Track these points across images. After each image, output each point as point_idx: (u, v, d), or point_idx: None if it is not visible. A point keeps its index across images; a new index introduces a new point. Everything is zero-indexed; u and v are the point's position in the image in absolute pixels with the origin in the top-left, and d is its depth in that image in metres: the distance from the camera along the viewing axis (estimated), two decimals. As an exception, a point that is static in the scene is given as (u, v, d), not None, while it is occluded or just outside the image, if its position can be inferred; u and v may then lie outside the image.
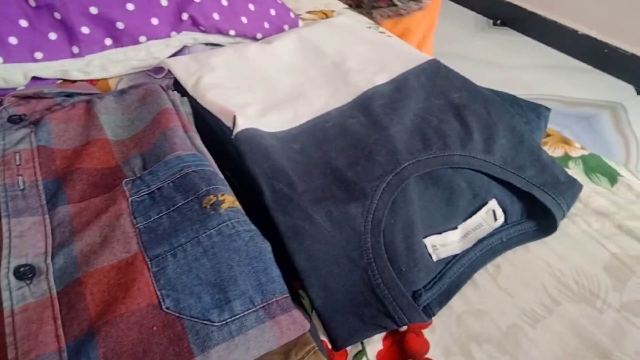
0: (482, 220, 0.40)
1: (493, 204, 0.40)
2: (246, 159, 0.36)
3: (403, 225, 0.36)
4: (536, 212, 0.41)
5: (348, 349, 0.36)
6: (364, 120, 0.41)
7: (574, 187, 0.42)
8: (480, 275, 0.40)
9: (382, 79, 0.46)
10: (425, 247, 0.37)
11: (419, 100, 0.44)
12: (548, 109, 0.46)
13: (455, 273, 0.38)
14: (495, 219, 0.40)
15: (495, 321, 0.37)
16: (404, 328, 0.37)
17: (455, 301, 0.38)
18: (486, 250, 0.39)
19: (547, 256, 0.41)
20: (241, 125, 0.38)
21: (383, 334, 0.36)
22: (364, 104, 0.43)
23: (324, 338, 0.35)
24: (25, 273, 0.28)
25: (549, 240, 0.42)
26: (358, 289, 0.33)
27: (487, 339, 0.36)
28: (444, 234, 0.38)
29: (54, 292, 0.28)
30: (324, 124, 0.41)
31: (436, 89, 0.46)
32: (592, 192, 0.46)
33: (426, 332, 0.37)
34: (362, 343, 0.36)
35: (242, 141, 0.37)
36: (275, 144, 0.39)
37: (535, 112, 0.46)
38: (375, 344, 0.36)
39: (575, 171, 0.48)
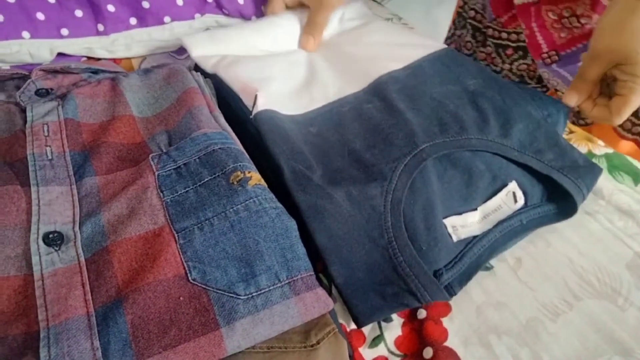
0: (501, 202, 0.40)
1: (513, 186, 0.41)
2: (266, 139, 0.36)
3: (422, 206, 0.36)
4: (556, 196, 0.42)
5: (366, 334, 0.36)
6: (380, 105, 0.42)
7: (593, 170, 0.43)
8: (500, 268, 0.40)
9: (396, 65, 0.46)
10: (445, 227, 0.38)
11: (434, 85, 0.44)
12: (568, 105, 0.46)
13: (476, 254, 0.38)
14: (515, 201, 0.40)
15: (515, 314, 0.37)
16: (423, 315, 0.37)
17: (475, 292, 0.39)
18: (506, 231, 0.40)
19: (569, 252, 0.41)
20: (261, 105, 0.39)
21: (402, 321, 0.37)
22: (379, 89, 0.43)
23: (342, 322, 0.35)
24: (54, 240, 0.29)
25: (571, 235, 0.42)
26: (379, 267, 0.34)
27: (507, 330, 0.36)
28: (463, 215, 0.39)
29: (82, 259, 0.29)
30: (340, 109, 0.42)
31: (451, 75, 0.46)
32: (616, 189, 0.46)
33: (445, 321, 0.37)
34: (380, 329, 0.36)
35: (262, 121, 0.37)
36: (293, 127, 0.40)
37: (555, 106, 0.46)
38: (393, 330, 0.36)
39: (598, 170, 0.48)
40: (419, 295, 0.33)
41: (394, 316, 0.37)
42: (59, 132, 0.36)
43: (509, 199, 0.40)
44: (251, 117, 0.39)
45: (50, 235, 0.29)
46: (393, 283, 0.33)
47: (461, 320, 0.37)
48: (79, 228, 0.30)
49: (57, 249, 0.29)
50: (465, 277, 0.37)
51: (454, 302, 0.38)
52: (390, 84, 0.44)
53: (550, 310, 0.38)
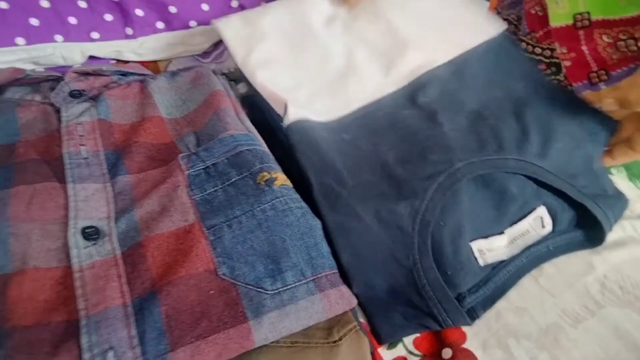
0: (529, 226, 0.40)
1: (542, 211, 0.40)
2: (296, 151, 0.37)
3: (451, 228, 0.36)
4: (584, 222, 0.41)
5: (385, 335, 0.38)
6: (417, 113, 0.41)
7: (621, 201, 0.42)
8: (521, 275, 0.42)
9: (441, 57, 0.44)
10: (472, 251, 0.38)
11: (477, 90, 0.42)
12: (615, 122, 0.43)
13: (501, 279, 0.39)
14: (543, 227, 0.40)
15: (534, 319, 0.39)
16: (442, 318, 0.39)
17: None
18: (532, 257, 0.40)
19: (591, 259, 0.42)
20: (292, 115, 0.38)
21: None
22: (418, 92, 0.42)
23: (362, 320, 0.37)
24: (91, 234, 0.31)
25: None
26: (402, 289, 0.35)
27: (526, 335, 0.38)
28: (490, 239, 0.39)
29: (118, 253, 0.31)
30: (376, 113, 0.41)
31: (499, 74, 0.44)
32: (639, 197, 0.47)
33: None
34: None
35: (293, 132, 0.38)
36: (325, 136, 0.39)
37: (600, 123, 0.43)
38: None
39: (618, 177, 0.49)
40: (441, 319, 0.34)
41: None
42: (93, 132, 0.38)
43: (537, 223, 0.40)
44: (283, 125, 0.39)
45: (88, 230, 0.32)
46: (415, 305, 0.34)
47: (480, 324, 0.38)
48: (114, 223, 0.33)
49: (94, 242, 0.31)
50: (490, 301, 0.38)
51: (474, 306, 0.39)
52: (430, 87, 0.42)
53: (571, 317, 0.39)
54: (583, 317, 0.39)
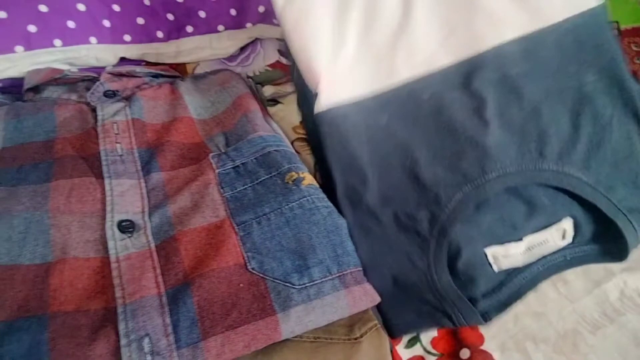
0: (549, 236, 0.39)
1: (567, 223, 0.39)
2: (325, 143, 0.37)
3: (471, 235, 0.36)
4: (608, 234, 0.39)
5: (403, 334, 0.39)
6: (467, 101, 0.36)
7: None
8: (540, 279, 0.42)
9: (514, 29, 0.37)
10: (486, 256, 0.37)
11: (546, 78, 0.37)
12: None
13: (516, 285, 0.39)
14: (563, 238, 0.39)
15: (552, 324, 0.39)
16: (460, 320, 0.39)
17: (514, 301, 0.41)
18: (549, 265, 0.40)
19: (612, 266, 0.42)
20: (324, 101, 0.36)
21: (438, 323, 0.39)
22: (475, 72, 0.37)
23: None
24: (126, 227, 0.33)
25: (615, 250, 0.44)
26: (416, 287, 0.36)
27: (544, 339, 0.38)
28: (506, 245, 0.38)
29: (153, 245, 0.33)
30: (421, 94, 0.37)
31: (575, 62, 0.37)
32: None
33: (481, 327, 0.39)
34: (417, 329, 0.39)
35: (323, 122, 0.37)
36: (358, 122, 0.37)
37: None
38: (429, 332, 0.39)
39: None
40: (454, 318, 0.35)
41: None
42: (127, 131, 0.40)
43: (558, 235, 0.39)
44: (314, 112, 0.37)
45: (124, 223, 0.33)
46: (429, 303, 0.35)
47: (498, 327, 0.39)
48: (148, 218, 0.34)
49: (129, 235, 0.33)
50: (503, 306, 0.38)
51: (492, 309, 0.40)
52: (490, 69, 0.37)
53: (590, 323, 0.39)
54: (602, 323, 0.39)
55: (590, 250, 0.40)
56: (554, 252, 0.39)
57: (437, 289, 0.35)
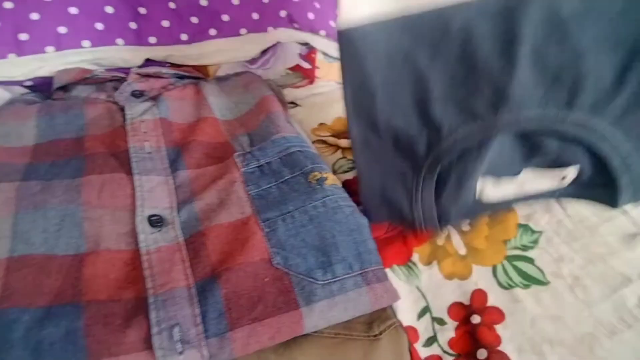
0: (548, 178, 0.38)
1: (571, 170, 0.37)
2: (342, 60, 0.36)
3: (463, 172, 0.36)
4: (603, 183, 0.37)
5: (420, 334, 0.40)
6: (501, 36, 0.33)
7: None
8: (557, 284, 0.43)
9: None
10: (475, 189, 0.37)
11: (597, 21, 0.33)
12: None
13: (494, 209, 0.40)
14: (562, 179, 0.38)
15: (569, 327, 0.40)
16: (477, 320, 0.40)
17: (530, 304, 0.41)
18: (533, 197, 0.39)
19: (630, 273, 0.43)
20: (345, 18, 0.35)
21: (455, 324, 0.40)
22: (521, 7, 0.33)
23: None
24: (156, 221, 0.35)
25: (633, 257, 0.44)
26: (399, 201, 0.38)
27: (560, 342, 0.39)
28: (499, 180, 0.37)
29: (181, 239, 0.34)
30: (451, 22, 0.34)
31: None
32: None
33: (498, 328, 0.40)
34: (433, 330, 0.40)
35: (344, 41, 0.35)
36: (377, 42, 0.35)
37: None
38: (446, 332, 0.40)
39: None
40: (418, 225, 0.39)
41: (447, 319, 0.41)
42: (155, 129, 0.42)
43: (558, 177, 0.37)
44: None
45: (153, 218, 0.35)
46: (404, 215, 0.38)
47: (515, 329, 0.40)
48: (176, 213, 0.36)
49: (159, 229, 0.35)
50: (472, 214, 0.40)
51: (508, 311, 0.41)
52: (537, 5, 0.33)
53: (607, 328, 0.40)
54: (619, 329, 0.40)
55: (579, 190, 0.40)
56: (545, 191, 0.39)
57: (417, 210, 0.38)
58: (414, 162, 0.37)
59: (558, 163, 0.37)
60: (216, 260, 0.33)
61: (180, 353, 0.29)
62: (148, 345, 0.29)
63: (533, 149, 0.36)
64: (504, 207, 0.40)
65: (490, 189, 0.38)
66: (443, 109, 0.35)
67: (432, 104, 0.35)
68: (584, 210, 0.50)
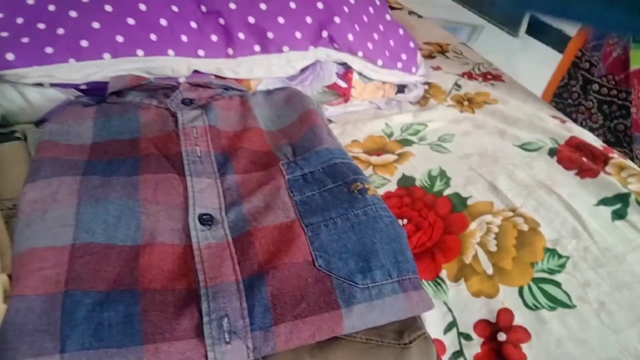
0: None
1: None
2: None
3: None
4: None
5: (447, 347, 0.41)
6: None
7: None
8: (583, 309, 0.45)
9: None
10: None
11: None
12: None
13: None
14: None
15: (595, 351, 0.41)
16: (503, 338, 0.42)
17: (556, 326, 0.43)
18: None
19: (655, 301, 0.44)
20: None
21: (481, 340, 0.42)
22: None
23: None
24: (206, 220, 0.38)
25: (658, 287, 0.45)
26: None
27: (586, 364, 0.40)
28: None
29: (229, 238, 0.37)
30: None
31: None
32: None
33: (524, 347, 0.42)
34: (460, 345, 0.41)
35: None
36: None
37: None
38: (473, 348, 0.42)
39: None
40: None
41: (474, 335, 0.42)
42: (205, 135, 0.45)
43: None
44: None
45: (204, 216, 0.38)
46: None
47: (540, 349, 0.41)
48: (225, 214, 0.39)
49: (209, 227, 0.37)
50: None
51: (534, 331, 0.43)
52: None
53: (632, 354, 0.41)
54: (645, 356, 0.41)
55: None
56: None
57: None
58: None
59: None
60: (263, 259, 0.35)
61: (228, 343, 0.31)
62: (198, 333, 0.31)
63: None
64: None
65: None
66: None
67: None
68: (611, 238, 0.52)
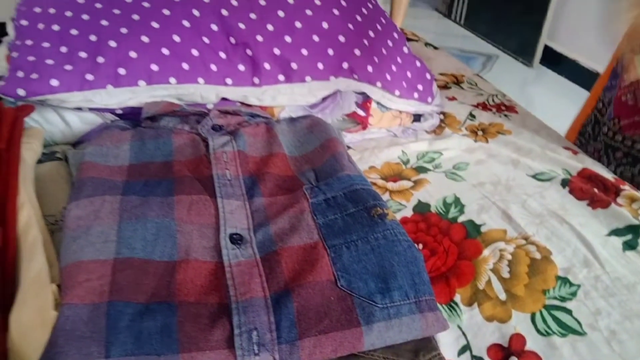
0: None
1: None
2: None
3: None
4: None
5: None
6: None
7: None
8: (594, 336, 0.47)
9: None
10: None
11: None
12: None
13: None
14: None
15: (605, 377, 0.43)
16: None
17: (567, 352, 0.45)
18: None
19: (664, 330, 0.46)
20: None
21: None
22: None
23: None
24: (236, 239, 0.41)
25: (667, 316, 0.47)
26: None
27: (597, 390, 0.42)
28: None
29: (258, 257, 0.40)
30: None
31: None
32: None
33: (537, 370, 0.44)
34: (471, 352, 0.43)
35: None
36: None
37: None
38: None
39: None
40: None
41: (487, 358, 0.44)
42: (234, 160, 0.49)
43: None
44: None
45: (234, 236, 0.41)
46: None
47: (552, 374, 0.43)
48: (253, 234, 0.42)
49: (238, 246, 0.41)
50: None
51: (545, 356, 0.45)
52: None
53: (642, 382, 0.43)
54: (654, 384, 0.43)
55: None
56: None
57: None
58: None
59: None
60: (289, 277, 0.38)
61: (256, 354, 0.34)
62: (229, 344, 0.34)
63: None
64: None
65: None
66: None
67: None
68: (622, 268, 0.54)
